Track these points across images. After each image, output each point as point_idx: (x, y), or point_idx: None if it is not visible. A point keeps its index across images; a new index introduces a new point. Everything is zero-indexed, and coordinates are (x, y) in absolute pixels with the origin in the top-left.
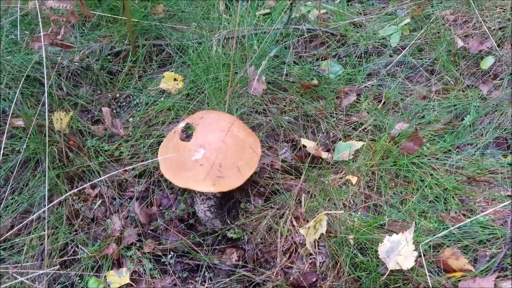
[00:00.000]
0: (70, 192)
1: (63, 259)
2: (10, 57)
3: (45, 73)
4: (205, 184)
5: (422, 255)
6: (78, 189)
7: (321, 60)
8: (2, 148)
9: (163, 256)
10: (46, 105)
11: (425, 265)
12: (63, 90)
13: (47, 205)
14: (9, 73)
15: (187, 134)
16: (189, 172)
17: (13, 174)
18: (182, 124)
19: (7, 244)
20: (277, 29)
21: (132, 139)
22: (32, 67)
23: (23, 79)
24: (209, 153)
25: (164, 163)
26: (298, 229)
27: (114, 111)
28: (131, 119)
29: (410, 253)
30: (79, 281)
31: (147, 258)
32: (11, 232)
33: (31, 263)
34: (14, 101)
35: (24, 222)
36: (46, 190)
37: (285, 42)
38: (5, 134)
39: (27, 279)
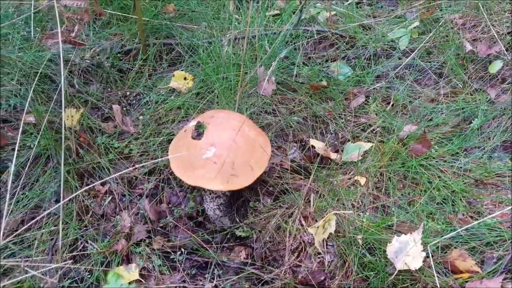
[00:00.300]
0: (82, 190)
1: (73, 254)
2: (21, 53)
3: (61, 70)
4: (215, 182)
5: (430, 256)
6: (89, 186)
7: (330, 62)
8: (17, 144)
9: (172, 253)
10: (63, 102)
11: (433, 266)
12: (74, 87)
13: (61, 200)
14: (20, 70)
15: (198, 132)
16: (199, 170)
17: (24, 170)
18: (192, 123)
19: (18, 238)
20: (287, 30)
21: (142, 137)
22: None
23: (37, 76)
24: (220, 152)
25: (175, 161)
26: (307, 228)
27: (124, 108)
28: (141, 117)
29: (418, 253)
30: (89, 276)
31: (156, 255)
32: (22, 228)
33: (41, 258)
34: (28, 98)
35: (37, 218)
36: (62, 185)
37: (294, 43)
38: (20, 129)
39: (39, 273)
